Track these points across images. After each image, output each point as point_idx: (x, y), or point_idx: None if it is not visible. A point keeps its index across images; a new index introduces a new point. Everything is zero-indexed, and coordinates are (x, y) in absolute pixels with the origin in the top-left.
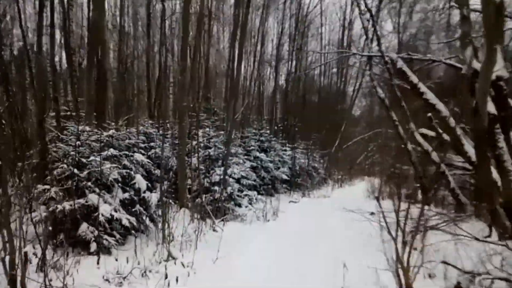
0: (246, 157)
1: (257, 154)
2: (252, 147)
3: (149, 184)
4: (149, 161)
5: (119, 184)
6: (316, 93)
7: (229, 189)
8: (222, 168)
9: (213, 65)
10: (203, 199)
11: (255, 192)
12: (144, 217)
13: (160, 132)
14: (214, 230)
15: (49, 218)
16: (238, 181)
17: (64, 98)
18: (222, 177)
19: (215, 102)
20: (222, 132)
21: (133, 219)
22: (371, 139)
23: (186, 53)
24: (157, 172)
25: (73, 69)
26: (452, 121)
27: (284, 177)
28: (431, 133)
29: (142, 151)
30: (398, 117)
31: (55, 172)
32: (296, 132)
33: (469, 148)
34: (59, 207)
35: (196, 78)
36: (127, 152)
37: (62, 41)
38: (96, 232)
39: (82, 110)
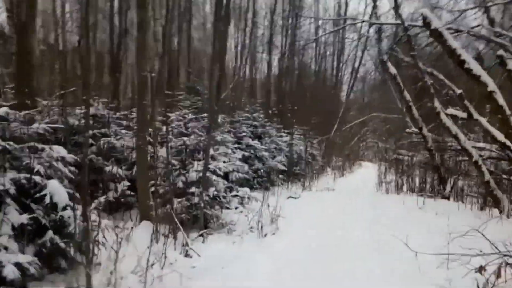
0: (236, 145)
1: (250, 141)
2: (244, 134)
3: (77, 194)
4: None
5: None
6: (312, 76)
7: (211, 190)
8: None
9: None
10: (175, 206)
11: (247, 189)
12: (64, 249)
13: (117, 114)
14: (186, 255)
15: None
16: (225, 176)
17: None
18: (202, 174)
19: (200, 82)
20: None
21: (33, 260)
22: (365, 123)
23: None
24: (114, 169)
25: None
26: (500, 98)
27: (281, 167)
28: (462, 114)
29: (92, 141)
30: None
31: None
32: (293, 117)
33: None
34: None
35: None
36: (35, 144)
37: None
38: None
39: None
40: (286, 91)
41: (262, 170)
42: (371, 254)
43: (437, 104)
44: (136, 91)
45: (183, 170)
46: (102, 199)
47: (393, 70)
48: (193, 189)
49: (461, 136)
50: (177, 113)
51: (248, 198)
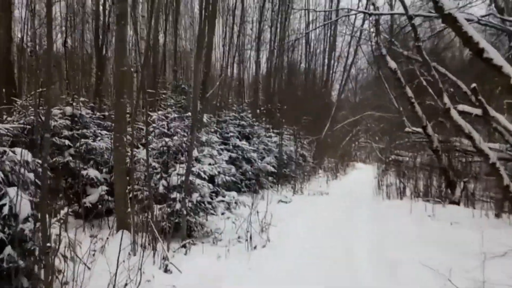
0: (223, 146)
1: (237, 142)
2: (231, 134)
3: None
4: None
5: None
6: (302, 74)
7: (195, 195)
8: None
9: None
10: (155, 213)
11: (235, 193)
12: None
13: (98, 114)
14: (166, 270)
15: None
16: (211, 179)
17: None
18: (184, 178)
19: (186, 81)
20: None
21: None
22: (357, 122)
23: None
24: (92, 172)
25: None
26: None
27: (270, 168)
28: (475, 111)
29: (69, 142)
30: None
31: None
32: (282, 116)
33: None
34: None
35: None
36: None
37: None
38: None
39: None
40: (275, 90)
41: (250, 172)
42: (384, 283)
43: (446, 100)
44: (115, 86)
45: (165, 173)
46: (65, 209)
47: (393, 64)
48: (175, 194)
49: (476, 136)
50: (160, 112)
51: (236, 203)
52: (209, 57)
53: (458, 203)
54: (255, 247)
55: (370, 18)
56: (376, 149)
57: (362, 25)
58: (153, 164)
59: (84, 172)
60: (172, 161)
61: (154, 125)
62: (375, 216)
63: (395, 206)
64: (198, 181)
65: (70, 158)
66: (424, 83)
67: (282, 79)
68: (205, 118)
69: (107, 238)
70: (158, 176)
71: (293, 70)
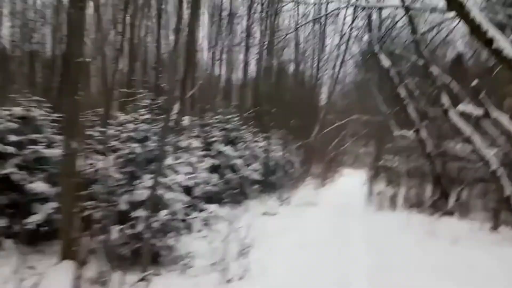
0: (206, 152)
1: (221, 148)
2: (215, 139)
3: None
4: None
5: None
6: (291, 77)
7: (163, 213)
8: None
9: None
10: (114, 236)
11: (215, 206)
12: None
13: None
14: None
15: None
16: (187, 191)
17: None
18: (150, 192)
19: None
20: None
21: None
22: (344, 127)
23: None
24: (40, 186)
25: None
26: None
27: (256, 176)
28: (476, 112)
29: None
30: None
31: None
32: (270, 120)
33: None
34: None
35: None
36: None
37: None
38: None
39: None
40: (263, 93)
41: (234, 181)
42: None
43: (445, 100)
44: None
45: (130, 186)
46: None
47: (386, 62)
48: (139, 212)
49: (477, 140)
50: (131, 114)
51: (216, 217)
52: (191, 53)
53: (452, 214)
54: (229, 281)
55: (363, 13)
56: (363, 154)
57: (352, 23)
58: (116, 175)
59: (30, 186)
60: (141, 171)
61: (119, 128)
62: (370, 232)
63: (389, 220)
64: (169, 194)
65: (15, 168)
66: (435, 73)
67: (271, 81)
68: (186, 120)
69: (44, 272)
70: (122, 190)
71: (282, 72)
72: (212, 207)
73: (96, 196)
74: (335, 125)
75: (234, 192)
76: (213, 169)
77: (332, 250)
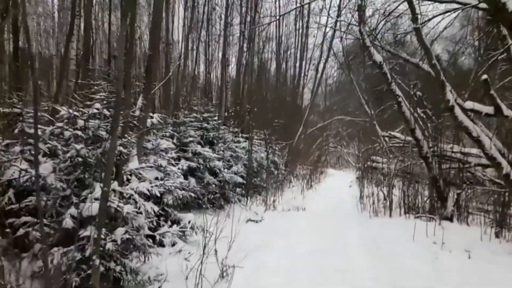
0: (181, 154)
1: (199, 148)
2: (191, 139)
3: None
4: None
5: None
6: (273, 75)
7: (120, 231)
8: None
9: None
10: (56, 261)
11: (191, 215)
12: None
13: None
14: None
15: None
16: (158, 200)
17: None
18: (99, 205)
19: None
20: (138, 114)
21: None
22: (326, 127)
23: None
24: None
25: None
26: None
27: (238, 179)
28: (486, 109)
29: None
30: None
31: None
32: (252, 119)
33: None
34: None
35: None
36: None
37: None
38: None
39: None
40: (244, 89)
41: (214, 185)
42: None
43: (449, 95)
44: None
45: (77, 198)
46: None
47: (378, 57)
48: (88, 231)
49: (486, 140)
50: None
51: (192, 228)
52: (156, 36)
53: (451, 219)
54: None
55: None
56: (346, 154)
57: (338, 16)
58: (59, 184)
59: None
60: (91, 178)
61: (59, 124)
62: (372, 244)
63: (388, 227)
64: (128, 207)
65: None
66: (438, 67)
67: (252, 79)
68: (155, 118)
69: None
70: (66, 203)
71: (264, 71)
72: (189, 216)
73: (33, 211)
74: (319, 125)
75: (214, 197)
76: (190, 172)
77: (331, 265)
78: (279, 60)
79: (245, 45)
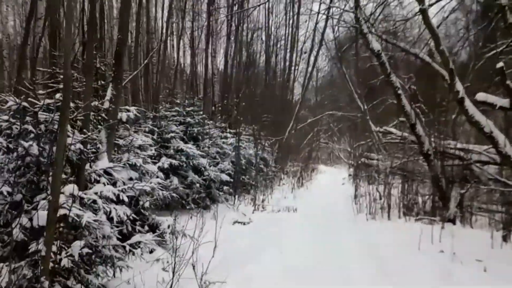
0: (162, 150)
1: (181, 145)
2: (173, 134)
3: None
4: None
5: None
6: (262, 69)
7: (77, 245)
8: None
9: None
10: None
11: (170, 219)
12: None
13: None
14: None
15: None
16: (133, 202)
17: None
18: (47, 213)
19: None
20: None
21: None
22: (317, 122)
23: None
24: None
25: None
26: None
27: (225, 177)
28: (501, 102)
29: None
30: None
31: None
32: (240, 114)
33: None
34: None
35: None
36: None
37: None
38: None
39: None
40: (232, 85)
41: (198, 184)
42: None
43: (459, 86)
44: None
45: (28, 204)
46: None
47: (376, 45)
48: (40, 244)
49: (500, 136)
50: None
51: (172, 233)
52: (125, 13)
53: (453, 221)
54: None
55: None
56: (338, 150)
57: (331, 1)
58: (4, 189)
59: None
60: (45, 181)
61: (4, 117)
62: (370, 253)
63: (388, 232)
64: (88, 216)
65: None
66: (446, 53)
67: (241, 72)
68: (132, 112)
69: None
70: (15, 212)
71: (252, 63)
72: (169, 220)
73: None
74: (310, 120)
75: (199, 197)
76: (172, 170)
77: (328, 281)
78: (268, 52)
79: (232, 37)
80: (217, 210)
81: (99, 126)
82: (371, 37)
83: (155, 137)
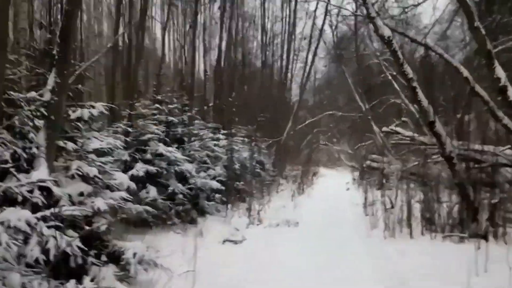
0: (138, 155)
1: (161, 148)
2: (151, 135)
3: None
4: None
5: None
6: (258, 67)
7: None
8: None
9: None
10: None
11: (139, 244)
12: None
13: None
14: None
15: None
16: (91, 220)
17: None
18: None
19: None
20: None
21: None
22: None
23: None
24: None
25: None
26: None
27: (216, 185)
28: None
29: None
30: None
31: None
32: (234, 113)
33: None
34: None
35: None
36: None
37: None
38: None
39: None
40: (225, 82)
41: (182, 194)
42: None
43: (500, 72)
44: None
45: None
46: None
47: (387, 31)
48: None
49: None
50: None
51: (140, 262)
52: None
53: (485, 237)
54: None
55: None
56: (339, 152)
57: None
58: None
59: None
60: None
61: None
62: None
63: (415, 258)
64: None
65: None
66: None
67: (236, 70)
68: (97, 108)
69: None
70: None
71: (248, 62)
72: (136, 246)
73: None
74: (308, 121)
75: (183, 209)
76: (150, 179)
77: None
78: (264, 50)
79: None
80: (204, 224)
81: (36, 124)
82: (380, 21)
83: (129, 139)
